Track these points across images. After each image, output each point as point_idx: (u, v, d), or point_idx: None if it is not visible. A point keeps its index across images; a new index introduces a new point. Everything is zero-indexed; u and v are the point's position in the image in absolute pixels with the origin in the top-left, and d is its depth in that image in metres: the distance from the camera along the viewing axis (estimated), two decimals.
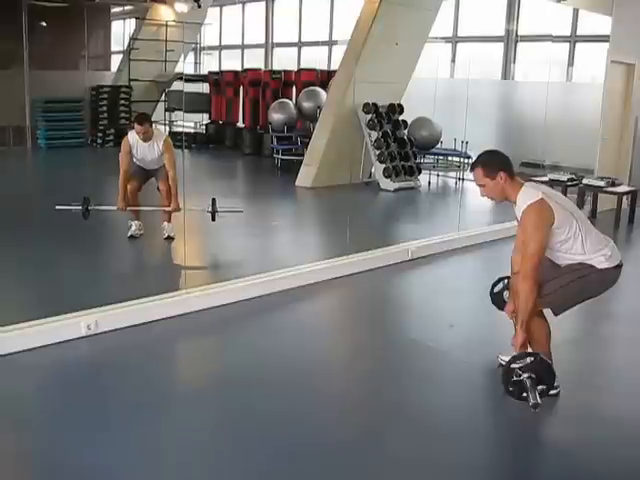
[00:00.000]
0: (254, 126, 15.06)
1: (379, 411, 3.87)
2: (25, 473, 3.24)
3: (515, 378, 3.62)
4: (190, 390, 4.13)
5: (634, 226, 8.88)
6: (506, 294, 4.34)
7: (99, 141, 15.54)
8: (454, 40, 14.36)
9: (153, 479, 3.13)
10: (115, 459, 3.23)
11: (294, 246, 7.77)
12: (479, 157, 3.91)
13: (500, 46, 13.75)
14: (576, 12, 12.43)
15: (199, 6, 15.90)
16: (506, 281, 4.41)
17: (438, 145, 12.48)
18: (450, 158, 12.68)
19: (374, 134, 11.12)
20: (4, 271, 6.02)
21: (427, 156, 12.73)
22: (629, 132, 10.18)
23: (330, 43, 16.59)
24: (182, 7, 16.44)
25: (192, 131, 16.93)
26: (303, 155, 11.61)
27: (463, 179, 12.12)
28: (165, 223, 7.14)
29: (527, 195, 3.73)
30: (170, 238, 7.10)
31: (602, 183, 8.77)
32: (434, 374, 4.43)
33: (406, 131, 11.79)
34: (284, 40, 18.38)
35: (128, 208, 6.95)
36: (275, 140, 13.19)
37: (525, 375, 3.59)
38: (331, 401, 3.99)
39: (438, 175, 12.57)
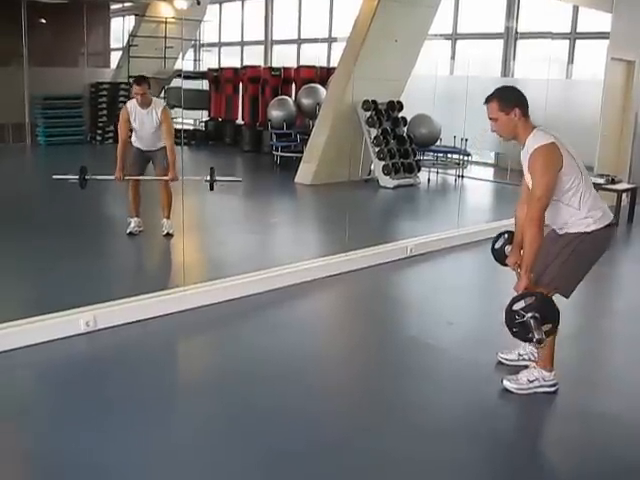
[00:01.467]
0: (253, 123, 15.05)
1: (377, 408, 3.87)
2: (24, 470, 3.23)
3: (518, 319, 3.61)
4: (188, 387, 4.13)
5: (634, 224, 8.87)
6: (508, 248, 4.25)
7: (98, 138, 15.52)
8: (454, 37, 14.33)
9: (151, 475, 3.13)
10: (114, 456, 3.23)
11: (293, 243, 7.77)
12: (496, 90, 3.85)
13: (500, 43, 13.73)
14: (576, 9, 12.41)
15: (198, 3, 15.88)
16: (506, 236, 4.32)
17: (437, 142, 12.48)
18: (449, 155, 12.67)
19: (373, 131, 11.11)
20: (3, 268, 6.02)
21: (426, 153, 12.71)
22: (629, 129, 10.16)
23: (329, 40, 16.56)
24: (181, 4, 16.42)
25: (191, 128, 16.91)
26: (302, 152, 11.60)
27: (462, 176, 12.12)
28: (164, 220, 7.13)
29: (538, 138, 3.69)
30: (169, 235, 7.08)
31: (601, 180, 8.75)
32: (433, 371, 4.43)
33: (405, 128, 11.78)
34: (283, 37, 18.35)
35: (126, 177, 6.92)
36: (274, 137, 13.18)
37: (529, 315, 3.57)
38: (329, 398, 3.98)
39: (437, 172, 12.56)
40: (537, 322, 3.57)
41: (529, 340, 3.67)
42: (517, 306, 3.63)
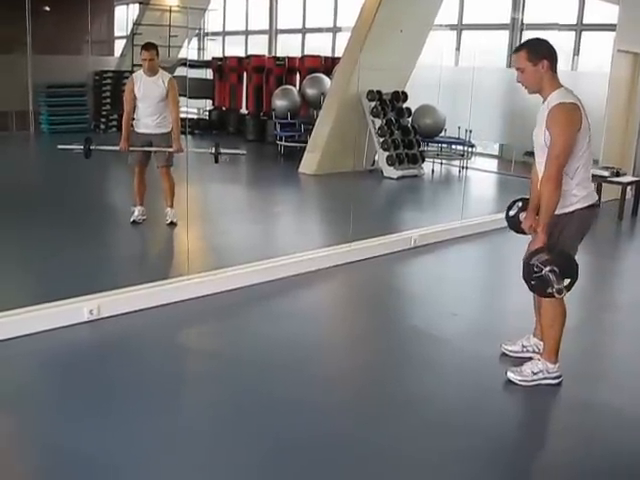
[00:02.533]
0: (257, 112, 15.01)
1: (380, 399, 3.87)
2: (25, 459, 3.23)
3: (537, 272, 3.59)
4: (191, 376, 4.13)
5: (638, 217, 8.85)
6: (522, 215, 4.22)
7: (102, 126, 15.49)
8: (459, 28, 14.27)
9: (154, 463, 3.13)
10: (117, 444, 3.23)
11: (296, 233, 7.76)
12: (528, 40, 3.85)
13: (506, 34, 13.66)
14: (583, 0, 12.35)
15: None
16: (520, 204, 4.28)
17: (442, 133, 12.44)
18: (454, 146, 12.64)
19: (378, 121, 11.08)
20: (6, 256, 6.02)
21: (431, 144, 12.67)
22: (634, 122, 10.12)
23: (334, 30, 16.50)
24: None
25: (195, 117, 16.88)
26: (306, 142, 11.57)
27: (467, 168, 12.09)
28: (168, 209, 7.12)
29: (562, 95, 3.67)
30: (173, 224, 7.07)
31: (606, 173, 8.72)
32: (436, 362, 4.43)
33: (410, 119, 11.74)
34: (288, 26, 18.28)
35: (130, 149, 6.92)
36: (278, 127, 13.15)
37: (547, 268, 3.56)
38: (332, 388, 3.98)
39: (442, 163, 12.54)
40: (556, 276, 3.55)
41: (547, 295, 3.63)
42: (535, 260, 3.60)
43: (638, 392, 4.07)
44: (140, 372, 4.02)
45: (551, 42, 3.83)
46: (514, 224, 4.31)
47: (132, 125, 6.97)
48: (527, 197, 4.15)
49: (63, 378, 3.94)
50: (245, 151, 7.70)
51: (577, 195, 3.72)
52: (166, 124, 6.87)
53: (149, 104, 6.85)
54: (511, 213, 4.35)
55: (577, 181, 3.71)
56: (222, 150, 7.02)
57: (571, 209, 3.73)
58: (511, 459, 3.42)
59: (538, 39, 3.88)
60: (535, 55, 3.72)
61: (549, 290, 3.58)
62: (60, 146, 6.85)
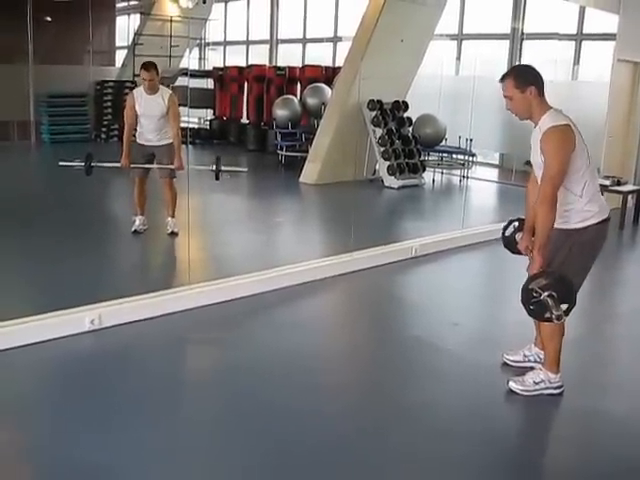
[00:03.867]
0: (258, 122, 15.04)
1: (381, 408, 3.86)
2: (26, 469, 3.22)
3: (536, 297, 3.59)
4: (193, 385, 4.13)
5: (639, 226, 8.84)
6: (518, 236, 4.24)
7: (103, 136, 15.51)
8: (459, 37, 14.31)
9: (156, 473, 3.12)
10: (118, 454, 3.22)
11: (298, 243, 7.76)
12: (512, 68, 3.86)
13: (506, 44, 13.71)
14: (582, 10, 12.38)
15: (204, 1, 15.92)
16: (516, 224, 4.30)
17: (443, 142, 12.46)
18: (454, 156, 12.66)
19: (379, 131, 11.10)
20: (8, 265, 6.02)
21: (431, 154, 12.70)
22: (635, 131, 10.14)
23: (335, 39, 16.55)
24: (187, 2, 16.42)
25: (196, 127, 16.90)
26: (307, 151, 11.59)
27: (467, 177, 12.10)
28: (169, 219, 7.13)
29: (553, 117, 3.66)
30: (174, 234, 7.07)
31: (607, 182, 8.72)
32: (438, 372, 4.42)
33: (411, 128, 11.76)
34: (289, 36, 18.34)
35: (131, 166, 6.92)
36: (279, 136, 13.17)
37: (545, 294, 3.55)
38: (334, 397, 3.97)
39: (442, 173, 12.55)
40: (554, 301, 3.55)
41: (546, 319, 3.63)
42: (533, 284, 3.60)
43: (639, 400, 4.07)
44: (141, 382, 4.01)
45: (535, 68, 3.84)
46: (510, 244, 4.35)
47: (134, 136, 6.97)
48: (523, 217, 4.17)
49: (64, 388, 3.93)
50: (246, 168, 7.67)
51: (591, 210, 3.72)
52: (168, 136, 6.88)
53: (150, 121, 6.86)
54: (507, 233, 4.39)
55: (587, 198, 3.71)
56: (223, 167, 7.00)
57: (585, 224, 3.72)
58: (513, 467, 3.41)
59: (523, 66, 3.94)
60: (522, 82, 3.72)
61: (547, 315, 3.60)
62: (61, 163, 6.85)
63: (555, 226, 3.72)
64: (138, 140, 6.98)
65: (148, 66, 6.75)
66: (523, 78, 3.73)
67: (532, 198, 3.92)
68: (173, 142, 6.83)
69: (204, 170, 7.22)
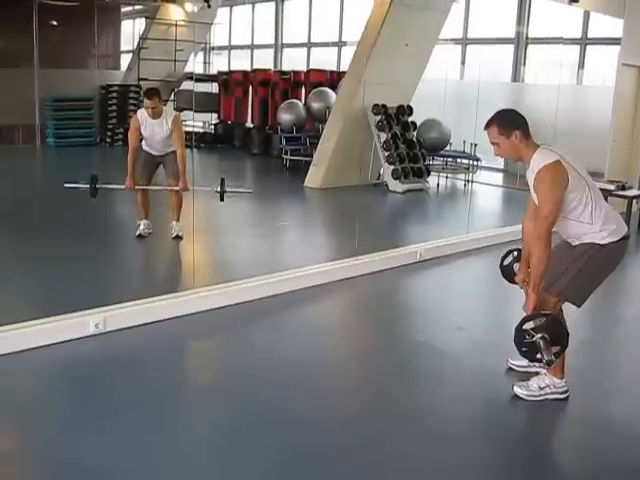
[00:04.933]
0: (263, 126, 15.07)
1: (386, 413, 3.85)
2: (29, 471, 3.22)
3: (528, 339, 3.60)
4: (197, 390, 4.12)
5: None
6: (516, 266, 4.25)
7: (108, 140, 15.56)
8: (464, 42, 14.32)
9: (155, 478, 3.12)
10: (121, 459, 3.22)
11: (302, 247, 7.76)
12: (494, 115, 3.85)
13: (510, 48, 13.71)
14: (587, 14, 12.38)
15: (209, 6, 15.92)
16: (515, 253, 4.34)
17: (447, 147, 12.46)
18: (459, 160, 12.65)
19: (383, 135, 11.09)
20: (12, 269, 6.03)
21: (436, 158, 12.69)
22: (639, 135, 10.12)
23: (340, 44, 16.58)
24: (192, 7, 16.46)
25: (201, 131, 16.94)
26: (312, 156, 11.60)
27: (472, 181, 12.09)
28: (173, 222, 7.14)
29: (542, 156, 3.67)
30: (178, 237, 7.09)
31: (612, 187, 8.71)
32: (443, 377, 4.41)
33: (415, 133, 11.76)
34: (293, 41, 18.37)
35: (136, 187, 6.94)
36: (284, 140, 13.19)
37: (538, 335, 3.57)
38: (337, 402, 3.97)
39: (447, 177, 12.55)
40: (546, 343, 3.57)
41: (537, 360, 3.66)
42: (527, 326, 3.63)
43: None
44: (145, 386, 4.01)
45: (516, 111, 3.88)
46: (508, 274, 4.41)
47: (140, 141, 6.97)
48: (521, 247, 4.19)
49: (68, 391, 3.94)
50: (252, 190, 7.68)
51: (608, 229, 3.73)
52: (173, 146, 6.90)
53: (156, 141, 6.91)
54: (505, 262, 4.45)
55: (600, 221, 3.71)
56: (228, 188, 6.99)
57: (603, 242, 3.73)
58: (519, 472, 3.40)
59: (504, 111, 3.90)
60: (506, 128, 3.74)
61: (538, 356, 3.62)
62: (66, 184, 6.86)
63: (571, 243, 3.79)
64: (144, 148, 7.01)
65: (151, 94, 6.75)
66: (506, 124, 3.76)
67: (528, 232, 3.94)
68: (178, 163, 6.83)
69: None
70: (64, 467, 3.16)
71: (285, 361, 4.45)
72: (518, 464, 3.48)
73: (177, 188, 6.88)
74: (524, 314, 3.77)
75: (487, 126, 3.84)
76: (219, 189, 6.90)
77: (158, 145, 6.93)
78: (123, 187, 6.93)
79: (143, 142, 6.99)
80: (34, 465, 3.25)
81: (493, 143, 3.82)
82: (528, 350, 3.64)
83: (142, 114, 6.85)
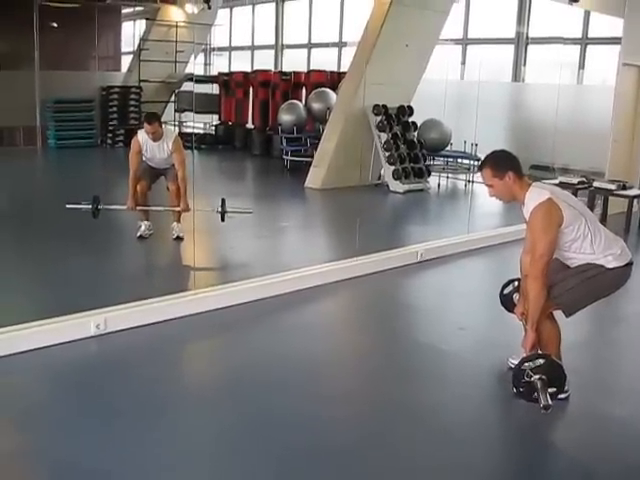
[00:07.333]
0: (263, 127, 15.08)
1: (387, 412, 3.85)
2: (30, 473, 3.23)
3: (526, 379, 3.63)
4: (198, 391, 4.12)
5: None
6: (516, 296, 4.32)
7: (109, 141, 15.58)
8: (464, 42, 14.32)
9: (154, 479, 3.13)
10: (121, 461, 3.22)
11: (303, 247, 7.76)
12: (487, 157, 3.91)
13: (511, 48, 13.71)
14: (587, 14, 12.38)
15: (209, 7, 15.92)
16: (516, 283, 4.39)
17: (448, 147, 12.46)
18: (460, 160, 12.65)
19: (384, 136, 11.09)
20: (14, 270, 6.04)
21: (437, 158, 12.69)
22: None
23: (340, 45, 16.58)
24: (192, 8, 16.46)
25: (201, 132, 16.95)
26: (312, 156, 11.60)
27: (473, 181, 12.09)
28: (174, 223, 7.15)
29: (535, 195, 3.72)
30: (179, 238, 7.10)
31: (613, 186, 8.72)
32: (443, 376, 4.42)
33: (416, 133, 11.76)
34: (294, 41, 18.38)
35: (138, 208, 6.96)
36: (284, 141, 13.19)
37: (536, 376, 3.60)
38: (340, 403, 3.97)
39: (448, 177, 12.54)
40: (544, 384, 3.59)
41: (532, 401, 3.67)
42: (526, 366, 3.66)
43: None
44: (145, 386, 4.01)
45: (509, 152, 3.95)
46: (507, 304, 4.47)
47: (143, 157, 7.00)
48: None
49: (69, 392, 3.94)
50: (252, 210, 7.72)
51: (613, 254, 3.77)
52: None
53: (156, 161, 6.97)
54: (505, 292, 4.52)
55: (601, 248, 3.74)
56: (228, 208, 7.08)
57: (609, 266, 3.76)
58: (519, 471, 3.40)
59: (497, 154, 3.94)
60: (499, 170, 3.79)
61: (534, 396, 3.63)
62: (68, 205, 6.88)
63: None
64: (147, 162, 7.03)
65: (151, 119, 6.78)
66: (500, 166, 3.81)
67: (526, 264, 3.98)
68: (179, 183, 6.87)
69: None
70: (64, 468, 3.17)
71: (286, 361, 4.45)
72: (519, 463, 3.49)
73: (178, 209, 6.94)
74: (522, 339, 3.86)
75: (480, 169, 3.92)
76: (220, 209, 7.03)
77: (159, 162, 7.00)
78: (124, 208, 6.96)
79: (143, 156, 7.00)
80: (34, 466, 3.26)
81: (487, 185, 3.88)
82: (525, 390, 3.67)
83: (143, 136, 6.86)
